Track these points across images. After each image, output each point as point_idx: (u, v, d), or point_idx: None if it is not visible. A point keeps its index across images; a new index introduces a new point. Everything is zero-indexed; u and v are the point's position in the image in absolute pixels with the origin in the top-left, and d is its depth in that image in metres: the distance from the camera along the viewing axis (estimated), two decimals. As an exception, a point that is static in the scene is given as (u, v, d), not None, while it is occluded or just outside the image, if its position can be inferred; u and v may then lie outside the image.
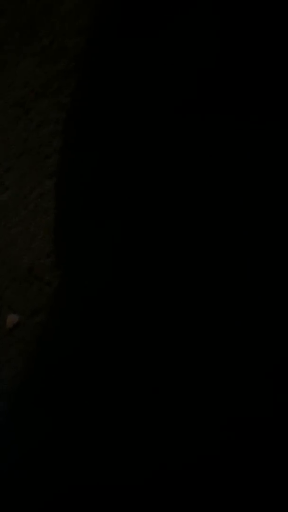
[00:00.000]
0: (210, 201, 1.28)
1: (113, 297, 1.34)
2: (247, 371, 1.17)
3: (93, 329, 1.35)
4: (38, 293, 1.44)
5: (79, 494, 1.27)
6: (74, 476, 1.28)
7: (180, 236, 1.30)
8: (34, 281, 1.45)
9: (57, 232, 1.47)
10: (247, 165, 1.26)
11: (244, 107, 1.28)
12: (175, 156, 1.36)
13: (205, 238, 1.28)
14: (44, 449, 1.33)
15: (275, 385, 1.14)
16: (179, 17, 1.38)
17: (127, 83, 1.46)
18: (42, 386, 1.38)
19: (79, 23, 1.56)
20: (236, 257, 1.23)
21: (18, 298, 1.46)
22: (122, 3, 1.49)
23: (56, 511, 1.29)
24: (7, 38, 1.66)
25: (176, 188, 1.34)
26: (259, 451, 1.11)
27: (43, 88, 1.59)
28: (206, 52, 1.34)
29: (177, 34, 1.39)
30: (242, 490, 1.11)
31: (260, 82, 1.27)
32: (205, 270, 1.26)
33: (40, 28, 1.62)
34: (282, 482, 1.08)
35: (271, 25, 1.27)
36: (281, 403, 1.12)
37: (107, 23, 1.51)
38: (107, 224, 1.40)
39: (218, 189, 1.28)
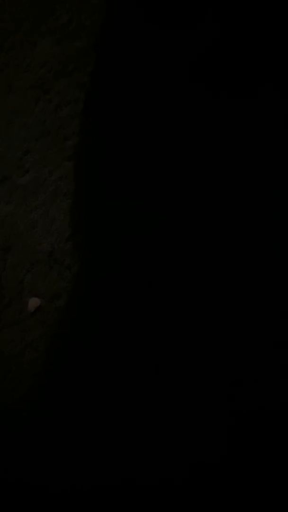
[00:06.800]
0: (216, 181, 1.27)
1: (130, 282, 1.34)
2: (247, 369, 1.16)
3: (111, 313, 1.35)
4: (58, 277, 1.44)
5: (88, 484, 1.29)
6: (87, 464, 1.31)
7: (195, 224, 1.29)
8: (54, 265, 1.45)
9: (77, 215, 1.46)
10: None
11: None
12: (189, 138, 1.33)
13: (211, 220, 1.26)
14: (62, 432, 1.36)
15: (276, 386, 1.13)
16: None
17: (145, 61, 1.43)
18: (63, 369, 1.40)
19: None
20: (240, 250, 1.21)
21: (38, 282, 1.46)
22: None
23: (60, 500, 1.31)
24: (26, 17, 1.64)
25: (187, 171, 1.32)
26: (260, 451, 1.11)
27: (62, 67, 1.57)
28: (211, 39, 1.30)
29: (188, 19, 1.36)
30: (243, 491, 1.11)
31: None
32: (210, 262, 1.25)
33: (57, 6, 1.59)
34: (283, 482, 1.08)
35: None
36: (282, 407, 1.11)
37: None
38: (124, 207, 1.39)
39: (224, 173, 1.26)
